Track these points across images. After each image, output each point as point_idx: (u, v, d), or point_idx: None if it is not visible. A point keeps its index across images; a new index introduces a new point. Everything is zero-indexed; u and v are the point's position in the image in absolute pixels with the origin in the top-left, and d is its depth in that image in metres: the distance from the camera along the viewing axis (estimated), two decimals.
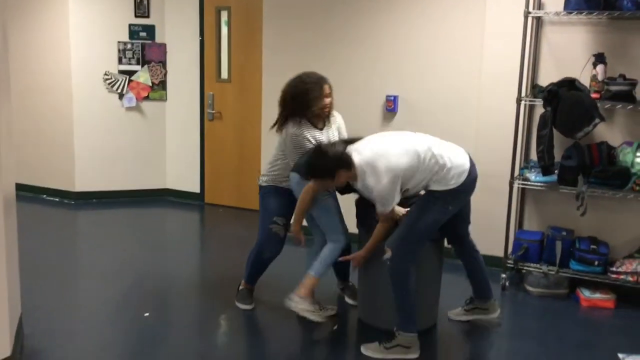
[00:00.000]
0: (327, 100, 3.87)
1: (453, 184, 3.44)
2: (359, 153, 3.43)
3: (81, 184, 6.85)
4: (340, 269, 4.27)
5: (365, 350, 3.57)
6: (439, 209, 3.48)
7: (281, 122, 3.96)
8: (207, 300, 4.41)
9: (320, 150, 3.55)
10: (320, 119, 3.93)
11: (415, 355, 3.50)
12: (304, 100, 3.82)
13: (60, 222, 6.35)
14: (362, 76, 5.34)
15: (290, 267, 4.44)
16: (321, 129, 3.94)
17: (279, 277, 4.71)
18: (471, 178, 3.51)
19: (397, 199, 3.43)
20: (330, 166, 3.44)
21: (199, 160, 6.92)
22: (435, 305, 3.99)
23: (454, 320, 4.03)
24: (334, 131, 4.02)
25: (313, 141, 3.83)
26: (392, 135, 3.60)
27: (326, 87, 3.86)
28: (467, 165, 3.50)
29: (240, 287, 4.28)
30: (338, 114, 4.09)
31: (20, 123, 6.38)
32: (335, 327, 3.91)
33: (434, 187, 3.47)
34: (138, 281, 4.65)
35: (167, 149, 7.07)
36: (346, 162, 3.41)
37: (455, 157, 3.49)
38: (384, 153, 3.38)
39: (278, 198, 4.07)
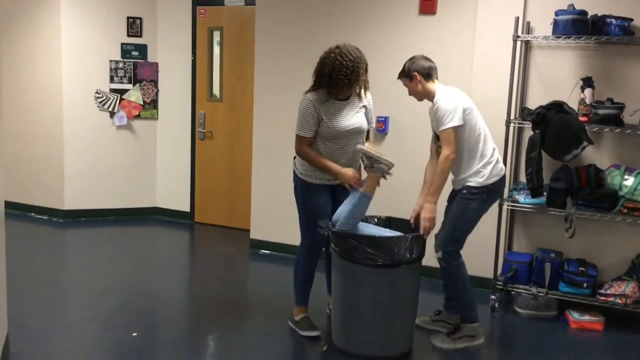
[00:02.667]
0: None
1: (492, 179, 3.83)
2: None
3: (70, 202, 6.81)
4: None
5: (436, 341, 3.93)
6: (477, 206, 3.84)
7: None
8: (196, 320, 4.38)
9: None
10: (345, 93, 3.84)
11: (481, 341, 3.93)
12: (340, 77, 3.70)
13: (49, 240, 6.31)
14: None
15: (280, 287, 4.43)
16: (342, 100, 3.84)
17: (269, 298, 4.70)
18: (504, 180, 3.94)
19: (459, 122, 3.72)
20: (415, 68, 3.85)
21: (190, 179, 6.92)
22: (411, 330, 3.87)
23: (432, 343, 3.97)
24: (359, 107, 3.91)
25: (317, 114, 3.75)
26: None
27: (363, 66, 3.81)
28: (503, 167, 3.94)
29: (297, 318, 4.06)
30: (369, 95, 4.00)
31: (10, 139, 6.36)
32: (325, 348, 3.88)
33: (473, 182, 3.81)
34: (126, 300, 4.61)
35: (158, 168, 7.06)
36: (428, 74, 3.85)
37: (497, 153, 3.93)
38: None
39: (319, 196, 3.93)
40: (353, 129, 3.85)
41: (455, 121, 3.72)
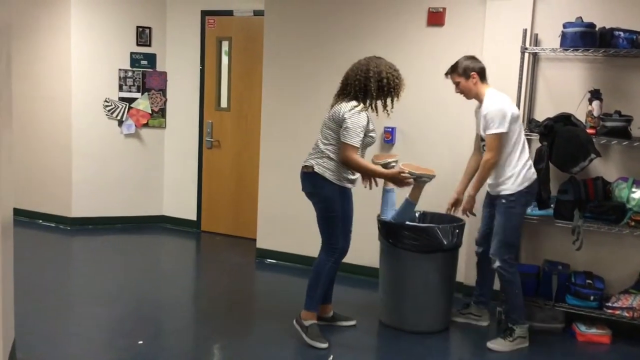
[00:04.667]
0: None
1: (525, 183, 4.04)
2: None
3: (78, 210, 6.84)
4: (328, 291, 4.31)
5: (493, 345, 4.10)
6: (519, 210, 4.09)
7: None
8: (202, 328, 4.39)
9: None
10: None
11: (528, 342, 4.15)
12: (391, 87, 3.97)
13: (56, 247, 6.33)
14: None
15: (286, 297, 4.43)
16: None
17: (275, 307, 4.70)
18: (536, 183, 4.14)
19: (505, 129, 3.95)
20: (475, 67, 4.08)
21: (196, 187, 6.94)
22: (450, 308, 4.37)
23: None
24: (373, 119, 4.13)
25: (367, 125, 3.94)
26: None
27: None
28: (535, 171, 4.14)
29: (306, 324, 4.06)
30: None
31: (19, 147, 6.39)
32: (332, 358, 3.88)
33: (509, 189, 4.03)
34: (133, 308, 4.62)
35: (165, 176, 7.09)
36: (483, 76, 4.11)
37: (530, 160, 4.14)
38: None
39: (351, 200, 4.18)
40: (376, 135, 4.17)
41: (502, 128, 3.95)
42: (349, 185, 4.09)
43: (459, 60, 4.15)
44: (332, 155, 3.95)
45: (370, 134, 3.99)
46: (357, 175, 4.11)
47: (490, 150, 3.99)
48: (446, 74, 4.19)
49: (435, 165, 4.93)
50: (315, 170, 3.97)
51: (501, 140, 3.97)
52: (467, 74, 4.08)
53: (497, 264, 4.08)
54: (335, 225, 4.03)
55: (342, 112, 3.88)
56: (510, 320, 4.16)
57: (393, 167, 4.23)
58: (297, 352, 3.96)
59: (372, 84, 3.90)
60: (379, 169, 4.09)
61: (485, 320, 4.50)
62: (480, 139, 4.23)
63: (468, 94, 4.15)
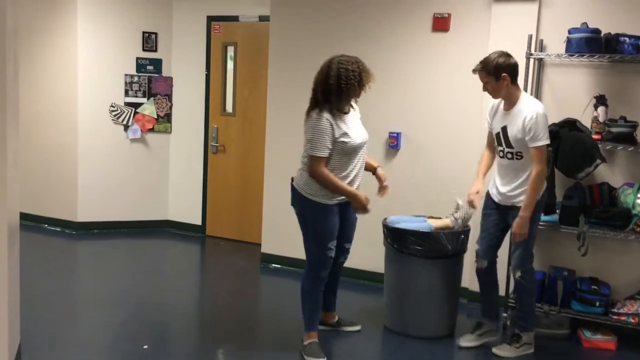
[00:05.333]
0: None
1: (541, 193, 3.92)
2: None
3: (83, 214, 6.86)
4: (329, 298, 4.26)
5: (499, 352, 4.06)
6: (535, 218, 3.96)
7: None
8: (206, 333, 4.39)
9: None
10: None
11: (533, 348, 4.12)
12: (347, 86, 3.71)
13: (61, 251, 6.35)
14: (365, 112, 5.35)
15: (290, 301, 4.42)
16: (346, 113, 3.82)
17: (280, 312, 4.70)
18: (546, 191, 4.03)
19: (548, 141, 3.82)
20: (507, 68, 3.78)
21: (202, 192, 6.95)
22: (455, 313, 4.21)
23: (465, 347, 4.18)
24: (358, 117, 3.94)
25: (333, 131, 3.67)
26: None
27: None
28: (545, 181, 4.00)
29: (305, 343, 3.90)
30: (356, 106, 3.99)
31: (25, 151, 6.42)
32: None
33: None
34: (138, 313, 4.63)
35: (170, 181, 7.10)
36: (514, 77, 3.82)
37: None
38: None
39: (332, 217, 3.83)
40: (363, 141, 3.84)
41: (548, 138, 3.84)
42: (326, 202, 3.77)
43: (490, 55, 3.87)
44: (306, 169, 3.79)
45: (342, 139, 3.69)
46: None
47: (540, 163, 3.79)
48: (474, 71, 3.91)
49: (440, 170, 4.95)
50: (292, 183, 3.88)
51: (547, 150, 3.86)
52: (498, 74, 3.79)
53: (518, 274, 4.00)
54: (310, 242, 3.85)
55: (304, 123, 3.76)
56: (518, 327, 4.13)
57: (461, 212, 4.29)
58: (302, 357, 3.95)
59: (332, 87, 3.66)
60: (345, 186, 3.73)
61: (498, 333, 4.38)
62: (498, 139, 3.97)
63: (496, 94, 3.91)
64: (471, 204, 4.11)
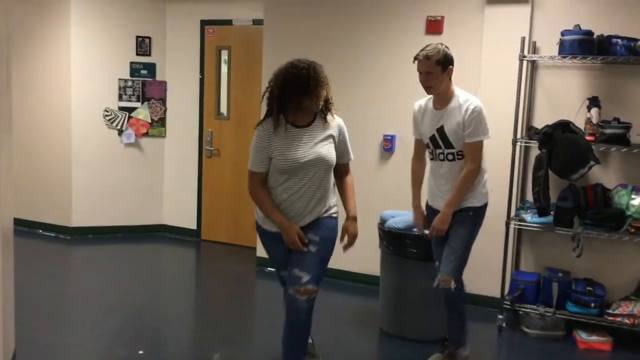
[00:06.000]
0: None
1: (485, 198, 3.70)
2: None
3: (78, 219, 6.84)
4: None
5: None
6: (480, 225, 3.72)
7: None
8: (202, 338, 4.38)
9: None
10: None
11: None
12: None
13: (56, 257, 6.33)
14: (360, 116, 5.40)
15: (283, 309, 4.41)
16: (301, 127, 3.26)
17: (275, 316, 4.70)
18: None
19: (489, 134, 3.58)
20: (451, 58, 3.52)
21: (196, 196, 6.94)
22: None
23: None
24: (323, 136, 3.29)
25: (269, 144, 3.23)
26: None
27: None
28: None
29: None
30: (340, 123, 3.41)
31: (19, 157, 6.39)
32: None
33: (478, 201, 3.66)
34: (133, 318, 4.62)
35: (165, 185, 7.09)
36: (450, 62, 3.51)
37: None
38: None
39: (275, 243, 3.41)
40: (311, 160, 3.22)
41: (488, 133, 3.58)
42: (269, 229, 3.37)
43: (434, 45, 3.54)
44: None
45: (279, 158, 3.20)
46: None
47: (474, 160, 3.52)
48: (419, 59, 3.51)
49: None
50: None
51: (482, 147, 3.57)
52: (446, 65, 3.50)
53: (453, 284, 3.60)
54: (274, 268, 3.57)
55: None
56: (457, 344, 3.79)
57: None
58: None
59: (276, 96, 3.22)
60: (277, 212, 3.26)
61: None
62: (434, 142, 3.63)
63: (436, 88, 3.54)
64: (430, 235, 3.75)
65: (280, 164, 3.22)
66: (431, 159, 3.77)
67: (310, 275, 3.21)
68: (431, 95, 3.66)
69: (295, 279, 3.22)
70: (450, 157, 3.61)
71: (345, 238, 3.40)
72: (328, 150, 3.27)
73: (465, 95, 3.58)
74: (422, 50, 3.53)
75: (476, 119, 3.50)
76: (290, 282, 3.24)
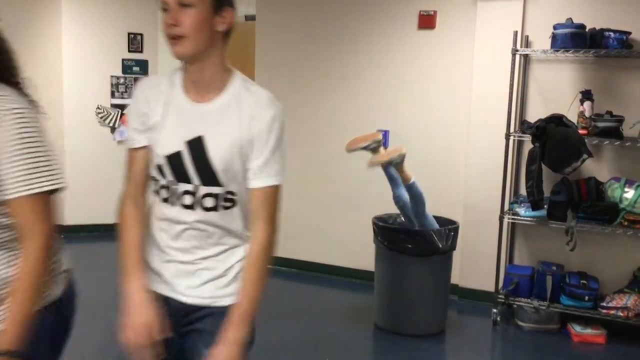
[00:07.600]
0: None
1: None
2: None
3: (70, 218, 6.78)
4: None
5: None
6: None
7: None
8: None
9: None
10: None
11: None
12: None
13: None
14: (354, 111, 5.40)
15: (284, 303, 4.41)
16: None
17: (272, 316, 4.69)
18: None
19: None
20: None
21: None
22: (445, 310, 4.25)
23: None
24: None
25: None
26: None
27: None
28: None
29: None
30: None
31: None
32: None
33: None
34: None
35: None
36: (232, 30, 2.03)
37: None
38: None
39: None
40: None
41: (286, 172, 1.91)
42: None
43: None
44: None
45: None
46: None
47: (270, 224, 1.90)
48: None
49: (430, 168, 4.95)
50: None
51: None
52: (221, 4, 1.86)
53: None
54: None
55: None
56: None
57: (373, 148, 4.28)
58: (297, 357, 3.94)
59: None
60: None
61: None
62: (177, 168, 1.85)
63: (192, 44, 1.94)
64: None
65: None
66: (163, 201, 1.93)
67: None
68: (180, 69, 2.05)
69: None
70: (209, 203, 1.84)
71: None
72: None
73: (255, 88, 2.01)
74: None
75: (280, 136, 1.86)
76: None
